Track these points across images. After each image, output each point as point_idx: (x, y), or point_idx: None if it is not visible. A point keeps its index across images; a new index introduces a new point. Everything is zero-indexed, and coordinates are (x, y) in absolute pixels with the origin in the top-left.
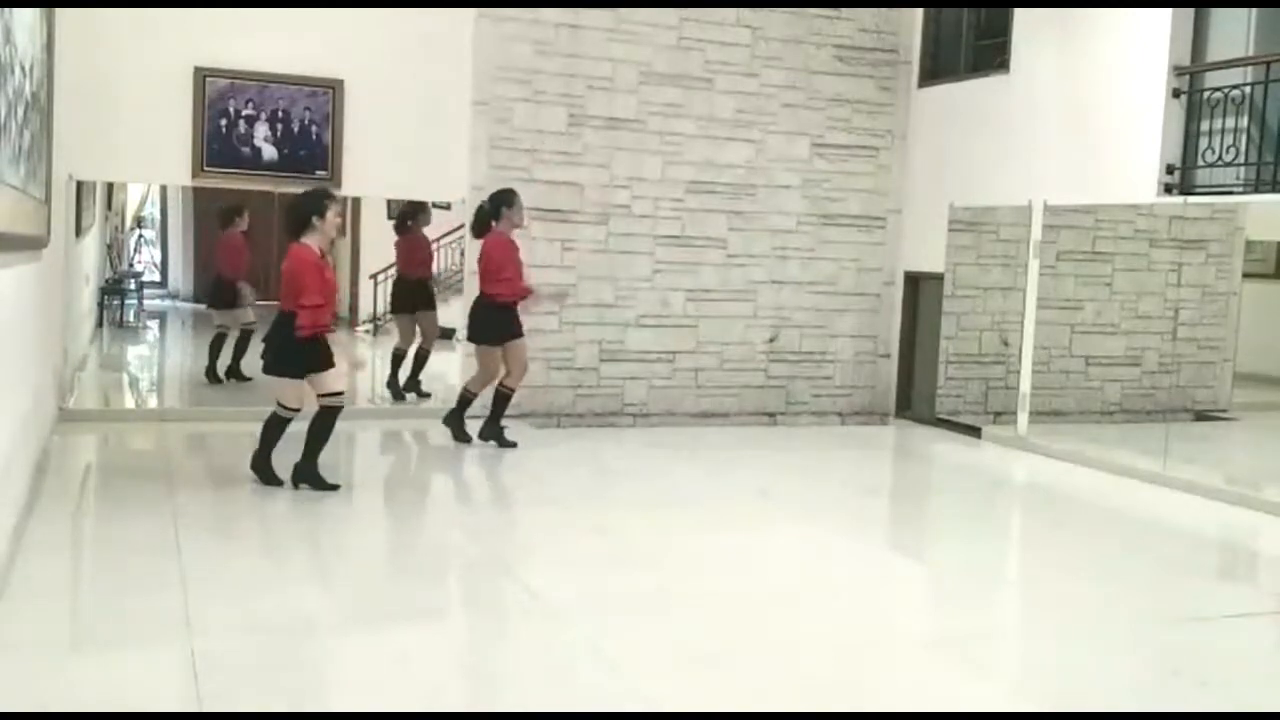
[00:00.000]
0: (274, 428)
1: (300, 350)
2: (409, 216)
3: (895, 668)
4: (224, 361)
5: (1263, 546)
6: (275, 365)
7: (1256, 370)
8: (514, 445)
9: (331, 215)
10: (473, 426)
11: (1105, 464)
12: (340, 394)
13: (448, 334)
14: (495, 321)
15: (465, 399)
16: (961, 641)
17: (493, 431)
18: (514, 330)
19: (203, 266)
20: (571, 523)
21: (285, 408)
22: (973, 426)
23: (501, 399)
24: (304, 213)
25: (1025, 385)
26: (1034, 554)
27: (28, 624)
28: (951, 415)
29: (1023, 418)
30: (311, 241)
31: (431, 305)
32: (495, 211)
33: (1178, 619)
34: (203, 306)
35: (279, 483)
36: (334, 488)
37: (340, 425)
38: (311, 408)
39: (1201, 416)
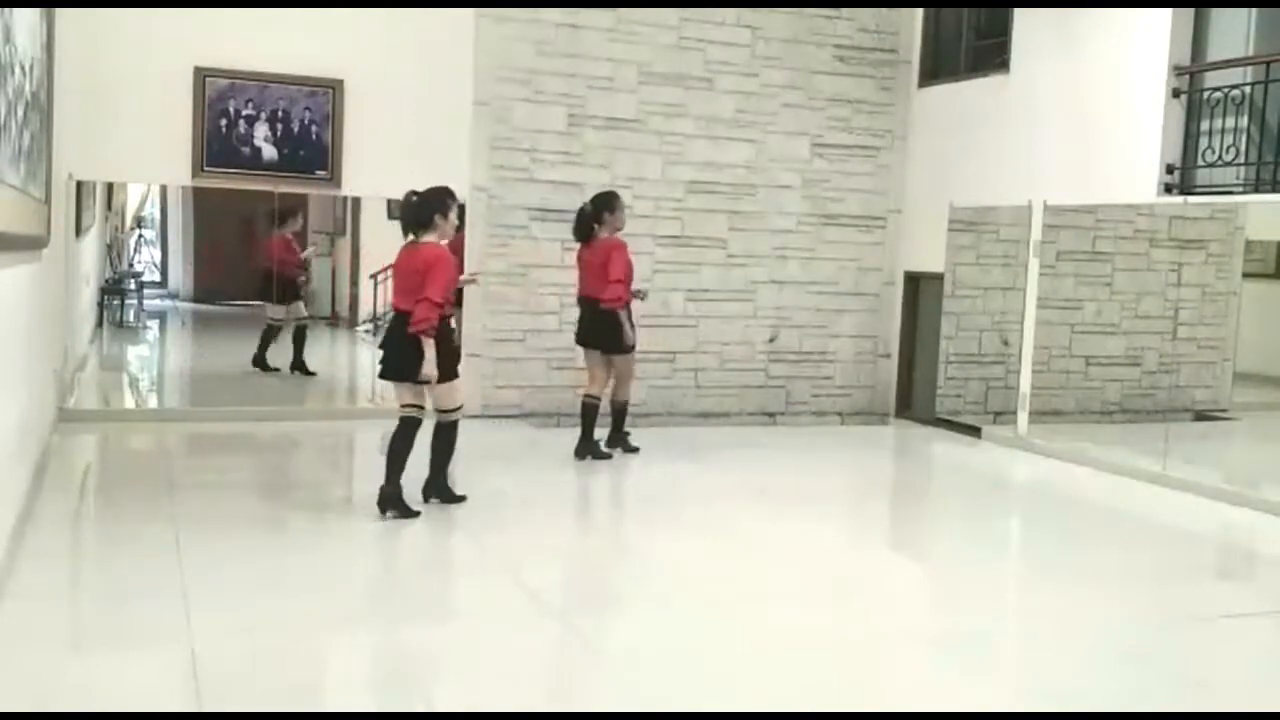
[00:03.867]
0: (445, 439)
1: (416, 348)
2: None
3: (895, 667)
4: (275, 354)
5: (1263, 546)
6: (411, 368)
7: (1256, 370)
8: (609, 456)
9: (452, 216)
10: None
11: (1105, 464)
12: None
13: None
14: (619, 329)
15: (621, 413)
16: (961, 641)
17: (619, 440)
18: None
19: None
20: (571, 522)
21: (449, 410)
22: (973, 426)
23: (591, 411)
24: (428, 211)
25: (1025, 385)
26: (1033, 554)
27: (28, 624)
28: (951, 415)
29: (1023, 418)
30: (432, 239)
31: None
32: (598, 215)
33: (1177, 619)
34: (203, 306)
35: (460, 498)
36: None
37: (339, 426)
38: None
39: (1201, 416)
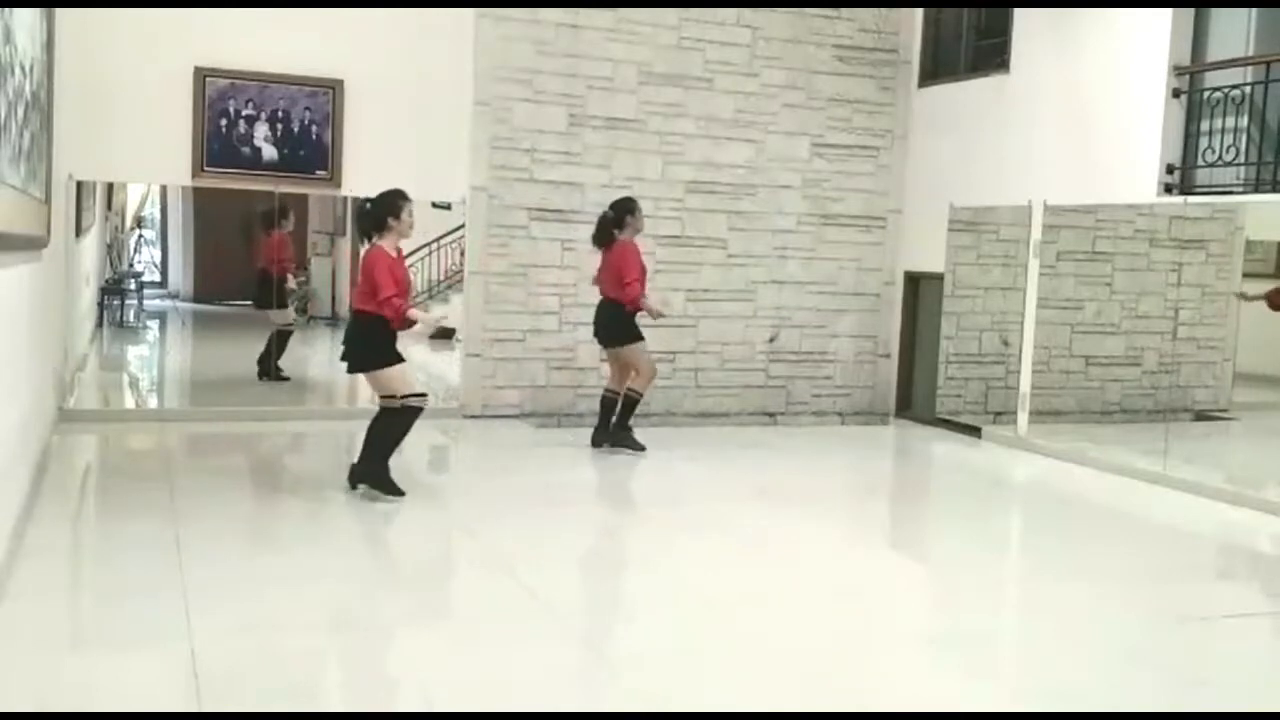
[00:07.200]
0: (397, 425)
1: (390, 341)
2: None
3: (895, 668)
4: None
5: (1263, 546)
6: (367, 360)
7: (1256, 370)
8: (644, 448)
9: (406, 216)
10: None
11: (1105, 464)
12: (422, 395)
13: (448, 333)
14: (630, 320)
15: (631, 403)
16: (961, 641)
17: (623, 438)
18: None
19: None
20: (571, 522)
21: (402, 396)
22: (973, 426)
23: (630, 403)
24: (380, 215)
25: (1025, 385)
26: (1034, 554)
27: (28, 624)
28: (951, 415)
29: (1023, 418)
30: (387, 243)
31: None
32: (619, 220)
33: (1178, 619)
34: (203, 306)
35: (401, 492)
36: (399, 493)
37: (342, 426)
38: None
39: (1201, 416)
